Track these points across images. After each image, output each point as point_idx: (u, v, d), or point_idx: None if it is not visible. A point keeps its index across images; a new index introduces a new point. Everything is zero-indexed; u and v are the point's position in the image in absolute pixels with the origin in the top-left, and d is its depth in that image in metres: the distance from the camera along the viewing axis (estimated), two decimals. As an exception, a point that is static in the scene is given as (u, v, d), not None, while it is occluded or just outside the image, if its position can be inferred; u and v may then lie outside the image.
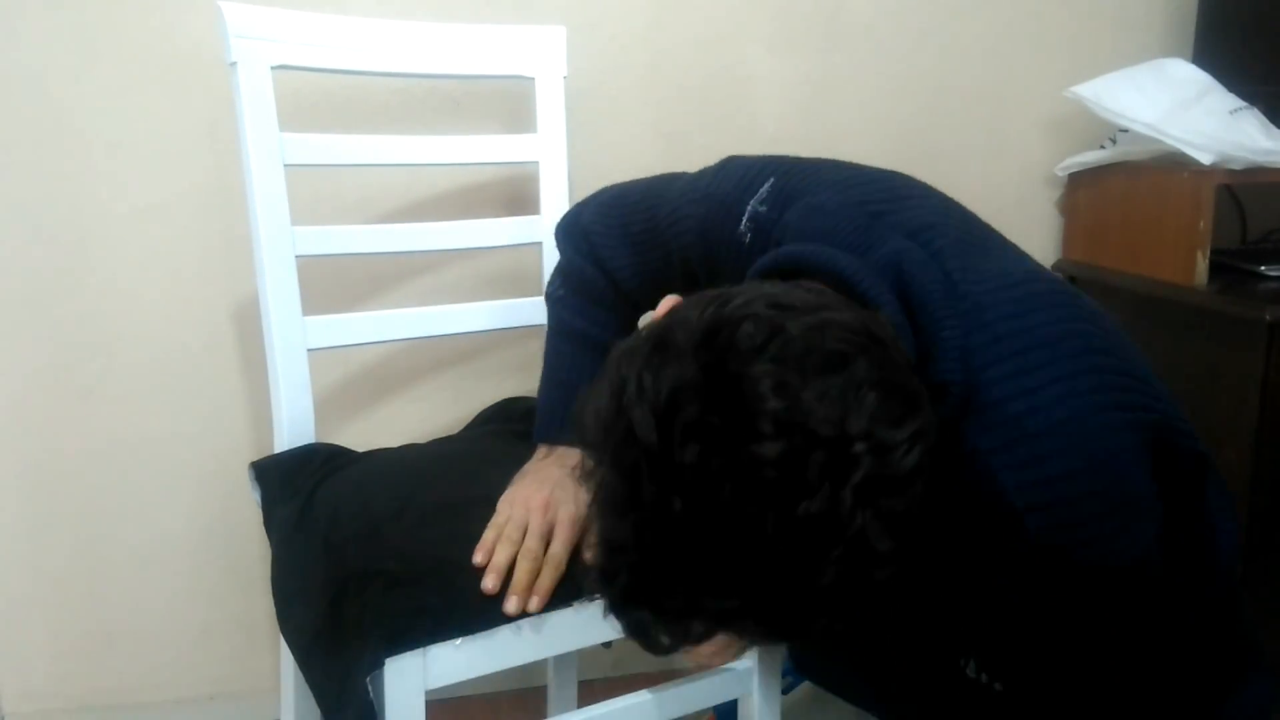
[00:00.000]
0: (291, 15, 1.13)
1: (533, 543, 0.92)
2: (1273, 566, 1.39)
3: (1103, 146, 1.61)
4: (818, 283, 0.71)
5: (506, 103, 1.45)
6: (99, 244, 1.38)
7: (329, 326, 1.18)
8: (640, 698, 1.01)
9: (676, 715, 1.05)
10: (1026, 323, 0.71)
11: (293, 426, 1.15)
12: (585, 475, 0.65)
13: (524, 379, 1.52)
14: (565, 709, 1.38)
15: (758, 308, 0.63)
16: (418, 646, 0.89)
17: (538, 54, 1.28)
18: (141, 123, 1.37)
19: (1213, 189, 1.41)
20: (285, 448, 1.15)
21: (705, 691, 1.05)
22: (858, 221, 0.78)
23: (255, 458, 1.18)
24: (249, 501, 1.17)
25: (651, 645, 0.67)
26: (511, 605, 0.90)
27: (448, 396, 1.53)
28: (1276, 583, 1.39)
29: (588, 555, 0.94)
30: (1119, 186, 1.58)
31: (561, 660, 1.40)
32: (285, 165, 1.13)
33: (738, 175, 0.91)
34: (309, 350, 1.16)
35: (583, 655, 1.36)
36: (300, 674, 1.16)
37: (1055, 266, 1.71)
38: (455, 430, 1.35)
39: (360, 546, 0.96)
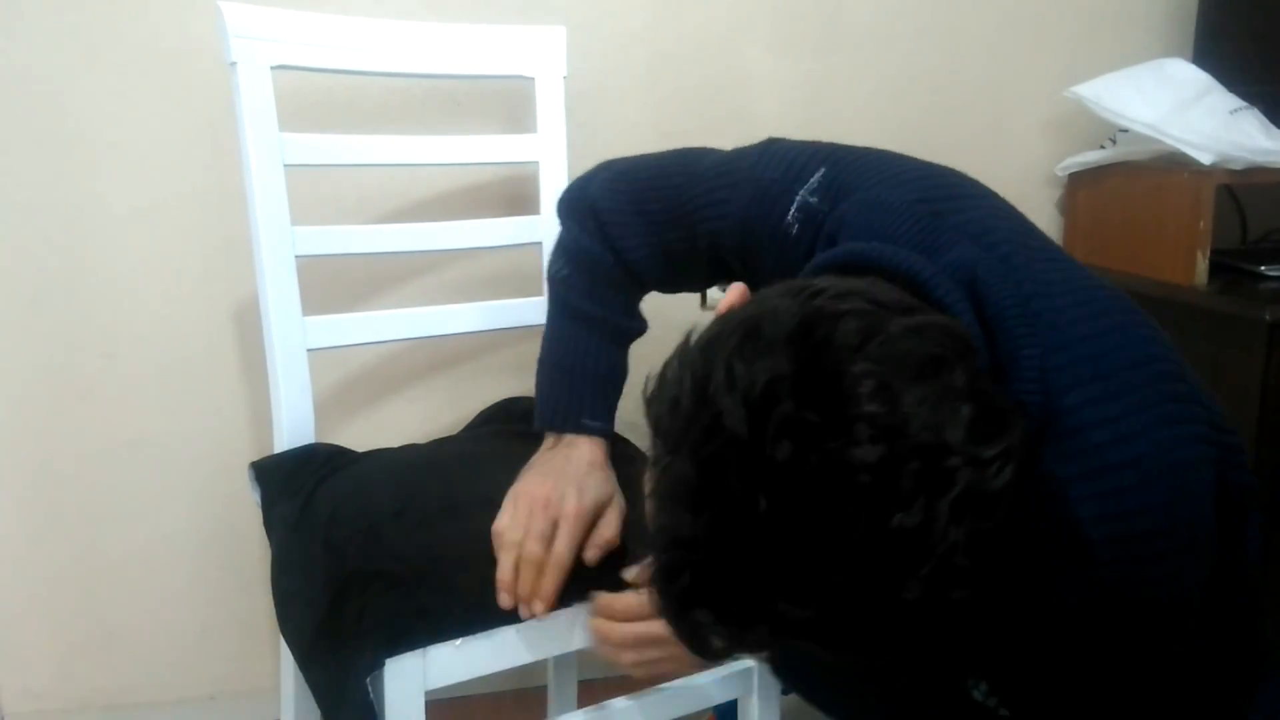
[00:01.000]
0: (291, 15, 1.13)
1: (533, 546, 0.90)
2: (1273, 566, 1.38)
3: (1103, 146, 1.61)
4: (888, 283, 0.68)
5: (506, 103, 1.45)
6: (99, 244, 1.38)
7: (329, 326, 1.18)
8: (640, 698, 1.01)
9: (676, 715, 1.05)
10: (1106, 344, 0.69)
11: (293, 427, 1.15)
12: (651, 464, 0.61)
13: (524, 379, 1.51)
14: (565, 709, 1.38)
15: (856, 303, 0.60)
16: (417, 647, 0.89)
17: (538, 54, 1.28)
18: (141, 123, 1.37)
19: (1213, 189, 1.41)
20: (285, 448, 1.15)
21: (705, 691, 1.05)
22: (921, 221, 0.75)
23: (255, 458, 1.18)
24: (249, 501, 1.17)
25: (703, 649, 0.64)
26: (520, 610, 0.90)
27: (448, 396, 1.53)
28: (1277, 583, 1.39)
29: (589, 555, 0.93)
30: (1119, 186, 1.58)
31: (561, 660, 1.40)
32: (285, 165, 1.13)
33: (785, 162, 0.86)
34: (309, 350, 1.16)
35: (582, 655, 1.36)
36: (300, 674, 1.16)
37: (1055, 266, 1.71)
38: (455, 430, 1.35)
39: (360, 546, 0.96)
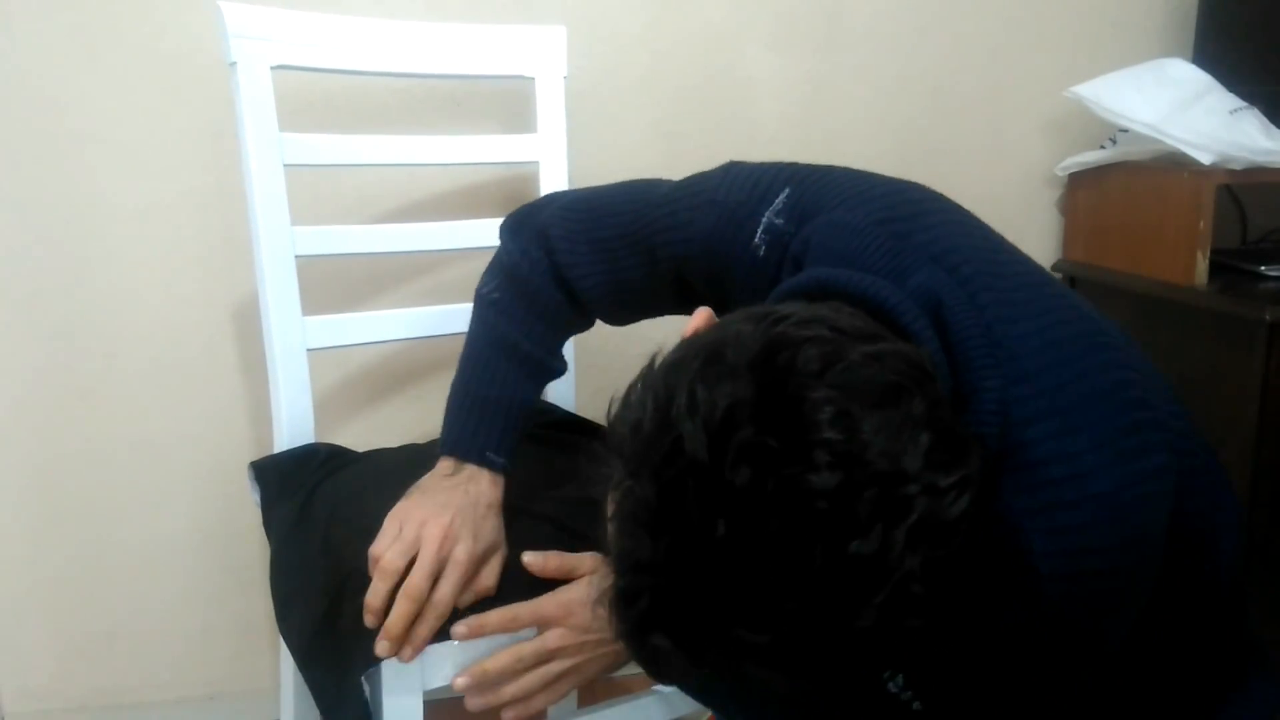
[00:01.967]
0: (291, 15, 1.13)
1: (418, 580, 0.87)
2: (1273, 566, 1.38)
3: (1103, 146, 1.61)
4: (853, 308, 0.68)
5: (506, 103, 1.45)
6: (99, 244, 1.38)
7: (329, 326, 1.18)
8: (640, 698, 1.01)
9: (677, 715, 1.05)
10: (1068, 374, 0.69)
11: (292, 426, 1.15)
12: (613, 488, 0.62)
13: (524, 379, 1.52)
14: (565, 709, 1.38)
15: (818, 330, 0.60)
16: (417, 646, 0.89)
17: (538, 54, 1.28)
18: (141, 123, 1.37)
19: (1213, 189, 1.41)
20: (285, 448, 1.15)
21: (705, 691, 1.05)
22: (885, 243, 0.75)
23: (255, 458, 1.18)
24: (249, 501, 1.17)
25: (661, 673, 0.64)
26: (381, 649, 0.86)
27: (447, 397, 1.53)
28: (1277, 583, 1.39)
29: (464, 600, 0.90)
30: (1119, 186, 1.58)
31: (561, 660, 1.40)
32: (285, 165, 1.13)
33: (749, 183, 0.86)
34: (309, 350, 1.16)
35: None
36: (300, 674, 1.16)
37: (1055, 267, 1.71)
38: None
39: (359, 546, 0.95)
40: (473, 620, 0.88)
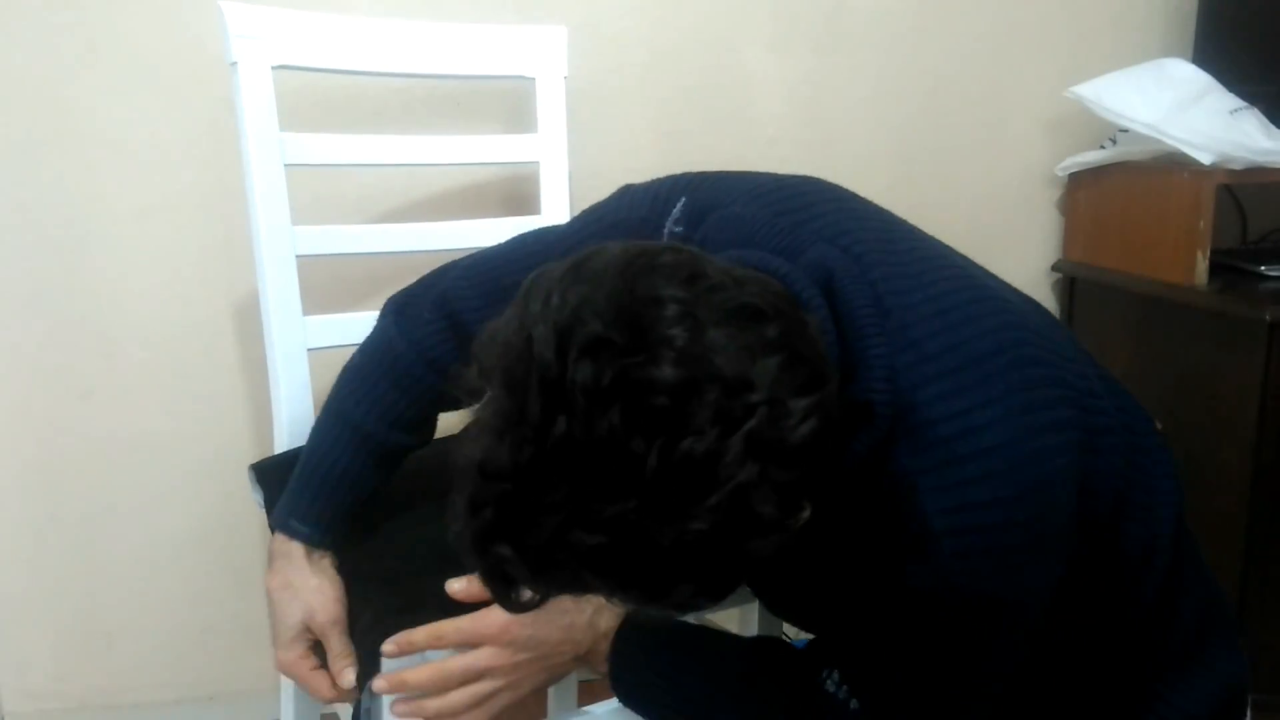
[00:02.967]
0: (291, 15, 1.13)
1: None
2: (1273, 566, 1.39)
3: (1103, 146, 1.61)
4: None
5: (506, 103, 1.45)
6: (99, 244, 1.38)
7: (329, 326, 1.18)
8: (640, 698, 1.01)
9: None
10: (955, 338, 0.69)
11: (293, 426, 1.15)
12: (480, 406, 0.61)
13: (524, 379, 1.52)
14: (565, 709, 1.38)
15: (684, 253, 0.61)
16: (417, 646, 0.89)
17: (538, 54, 1.28)
18: (141, 123, 1.37)
19: (1213, 189, 1.41)
20: (285, 448, 1.15)
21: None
22: (780, 229, 0.76)
23: (255, 458, 1.17)
24: (249, 501, 1.17)
25: (506, 593, 0.64)
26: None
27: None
28: (1277, 583, 1.39)
29: (342, 682, 0.89)
30: (1119, 186, 1.58)
31: (561, 660, 1.40)
32: (285, 165, 1.13)
33: (648, 199, 0.86)
34: (309, 350, 1.16)
35: (583, 655, 1.36)
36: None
37: (1055, 267, 1.71)
38: (455, 431, 1.34)
39: (359, 546, 0.96)
40: (400, 637, 0.85)
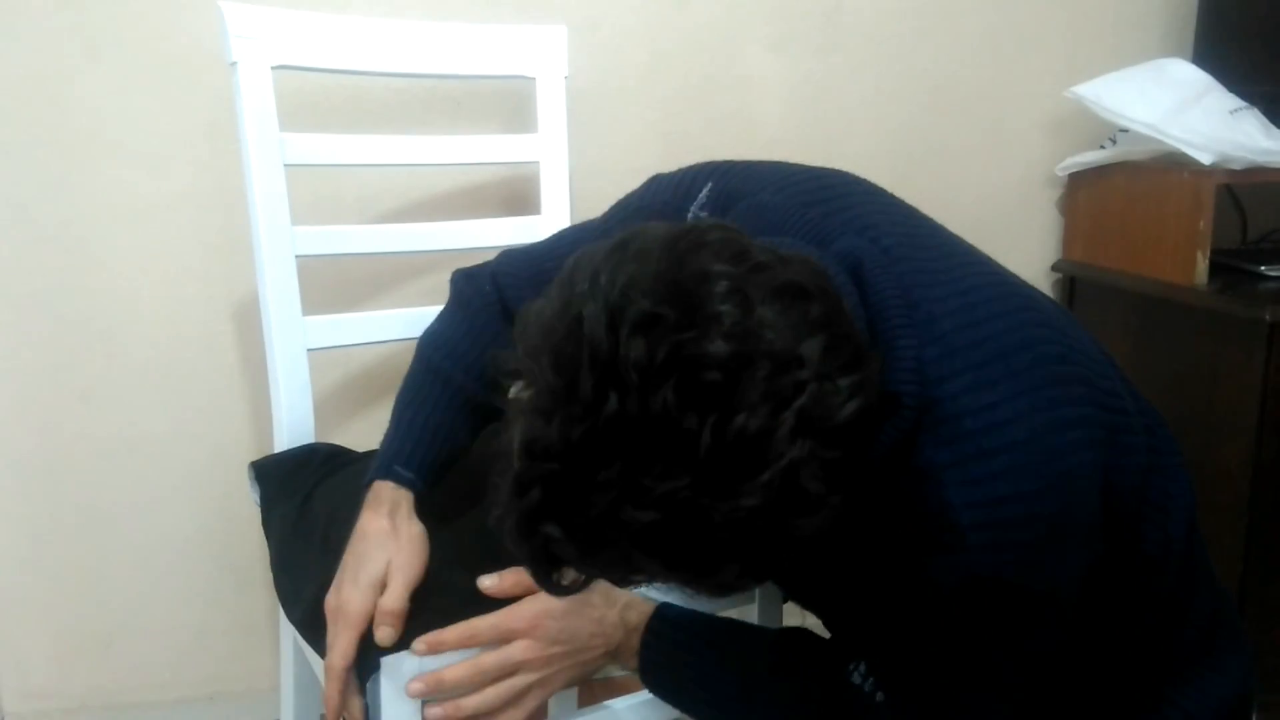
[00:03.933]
0: (291, 15, 1.13)
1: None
2: (1273, 566, 1.39)
3: (1103, 146, 1.61)
4: None
5: (506, 103, 1.45)
6: (99, 244, 1.38)
7: (329, 326, 1.18)
8: (640, 698, 1.01)
9: (678, 715, 1.05)
10: (982, 333, 0.69)
11: (292, 426, 1.15)
12: (523, 387, 0.60)
13: (524, 379, 1.52)
14: (565, 709, 1.38)
15: (727, 231, 0.61)
16: (416, 646, 0.88)
17: (538, 54, 1.28)
18: (141, 123, 1.37)
19: (1213, 189, 1.41)
20: (285, 447, 1.15)
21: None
22: (807, 218, 0.77)
23: (255, 457, 1.18)
24: (248, 501, 1.17)
25: (549, 575, 0.63)
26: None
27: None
28: (1277, 583, 1.39)
29: (379, 635, 0.84)
30: (1119, 186, 1.58)
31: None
32: (285, 165, 1.13)
33: (673, 186, 0.87)
34: (309, 350, 1.16)
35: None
36: (299, 674, 1.16)
37: (1055, 267, 1.71)
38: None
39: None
40: (431, 636, 0.83)
